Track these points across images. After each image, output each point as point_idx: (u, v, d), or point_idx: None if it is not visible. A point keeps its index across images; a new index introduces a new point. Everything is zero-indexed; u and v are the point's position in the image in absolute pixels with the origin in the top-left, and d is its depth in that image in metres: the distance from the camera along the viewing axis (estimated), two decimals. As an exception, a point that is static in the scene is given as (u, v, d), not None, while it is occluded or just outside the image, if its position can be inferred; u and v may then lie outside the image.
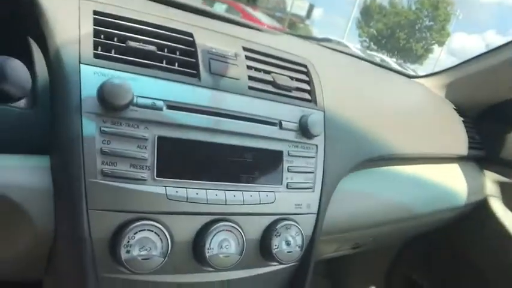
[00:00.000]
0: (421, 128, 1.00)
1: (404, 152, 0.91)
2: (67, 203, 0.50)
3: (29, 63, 0.52)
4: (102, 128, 0.50)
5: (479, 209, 1.24)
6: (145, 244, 0.51)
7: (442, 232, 1.34)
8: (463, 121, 1.18)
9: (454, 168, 1.14)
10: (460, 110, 1.20)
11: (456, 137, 1.14)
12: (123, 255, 0.50)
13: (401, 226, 0.98)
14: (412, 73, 1.40)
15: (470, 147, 1.16)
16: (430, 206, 1.01)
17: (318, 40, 1.46)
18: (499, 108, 1.24)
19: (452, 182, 1.10)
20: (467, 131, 1.15)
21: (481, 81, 1.19)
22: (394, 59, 18.50)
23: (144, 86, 0.54)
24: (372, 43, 28.27)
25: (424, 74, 1.37)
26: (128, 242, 0.50)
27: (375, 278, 1.62)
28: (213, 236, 0.55)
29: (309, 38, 1.42)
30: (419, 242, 1.46)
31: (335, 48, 1.20)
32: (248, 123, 0.60)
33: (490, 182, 1.26)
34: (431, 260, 1.47)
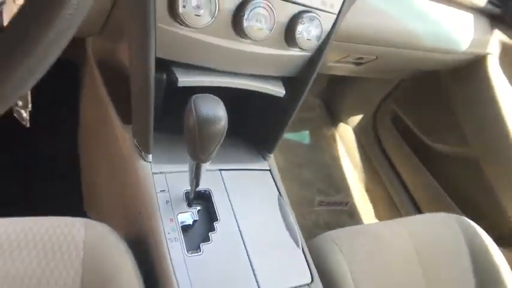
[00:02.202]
0: None
1: None
2: None
3: None
4: None
5: (476, 64, 1.35)
6: (198, 3, 0.62)
7: (434, 80, 1.47)
8: None
9: (467, 17, 1.21)
10: None
11: None
12: (181, 9, 0.61)
13: (404, 54, 1.10)
14: None
15: (488, 1, 1.21)
16: (435, 42, 1.12)
17: None
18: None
19: (462, 28, 1.19)
20: None
21: None
22: None
23: None
24: None
25: None
26: None
27: (366, 108, 1.82)
28: (252, 10, 0.65)
29: None
30: (413, 85, 1.61)
31: None
32: None
33: (496, 40, 1.34)
34: (419, 103, 1.63)
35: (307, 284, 0.75)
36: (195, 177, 0.70)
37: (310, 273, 0.77)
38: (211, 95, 0.61)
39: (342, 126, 1.92)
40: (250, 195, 0.82)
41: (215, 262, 0.70)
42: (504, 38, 1.34)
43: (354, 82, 1.72)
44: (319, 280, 0.77)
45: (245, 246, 0.74)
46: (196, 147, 0.62)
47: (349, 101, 1.85)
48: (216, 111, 0.59)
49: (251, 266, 0.72)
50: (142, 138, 0.76)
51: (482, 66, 1.34)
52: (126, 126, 0.83)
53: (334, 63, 1.10)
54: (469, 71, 1.37)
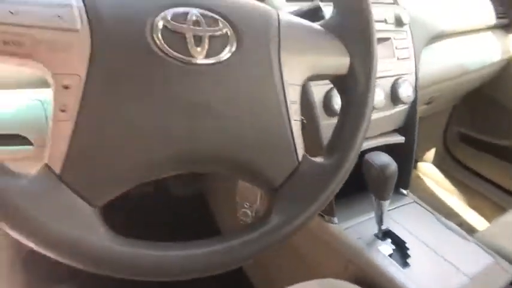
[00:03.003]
0: (460, 8, 1.40)
1: (454, 28, 1.32)
2: None
3: None
4: None
5: (509, 65, 1.64)
6: None
7: (482, 92, 1.75)
8: None
9: (488, 35, 1.53)
10: None
11: (485, 11, 1.52)
12: None
13: (458, 81, 1.40)
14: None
15: (497, 17, 1.54)
16: (475, 64, 1.43)
17: None
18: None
19: (488, 45, 1.51)
20: (492, 5, 1.53)
21: None
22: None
23: None
24: None
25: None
26: None
27: (433, 138, 2.07)
28: None
29: None
30: (466, 102, 1.88)
31: None
32: None
33: None
34: (476, 114, 1.89)
35: (495, 262, 0.95)
36: (381, 215, 0.95)
37: (489, 255, 0.97)
38: (378, 151, 0.89)
39: (420, 165, 2.15)
40: (415, 221, 1.06)
41: (423, 266, 0.91)
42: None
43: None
44: (498, 257, 0.97)
45: (435, 252, 0.95)
46: (380, 188, 0.88)
47: (418, 141, 2.10)
48: (387, 159, 0.87)
49: (445, 259, 0.93)
50: (327, 207, 1.02)
51: (514, 64, 1.64)
52: None
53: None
54: (506, 72, 1.66)
